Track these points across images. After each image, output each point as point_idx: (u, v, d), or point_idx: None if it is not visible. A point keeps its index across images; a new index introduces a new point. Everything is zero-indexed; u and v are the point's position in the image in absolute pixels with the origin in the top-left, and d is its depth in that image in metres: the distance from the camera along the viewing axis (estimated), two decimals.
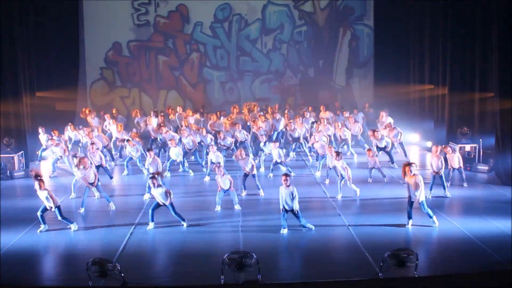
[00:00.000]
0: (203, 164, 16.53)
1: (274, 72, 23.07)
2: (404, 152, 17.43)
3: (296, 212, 10.97)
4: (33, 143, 18.06)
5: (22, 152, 16.81)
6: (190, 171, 16.09)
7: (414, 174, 11.15)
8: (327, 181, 14.92)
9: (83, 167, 12.85)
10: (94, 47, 22.41)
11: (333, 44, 23.04)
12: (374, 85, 22.90)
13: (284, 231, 11.05)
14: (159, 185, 11.34)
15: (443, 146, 14.38)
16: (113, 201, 13.05)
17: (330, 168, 14.78)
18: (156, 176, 11.51)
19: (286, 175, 11.09)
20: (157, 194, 11.34)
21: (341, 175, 13.48)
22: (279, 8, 22.76)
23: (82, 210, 12.63)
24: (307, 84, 23.09)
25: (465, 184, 14.27)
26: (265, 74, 23.09)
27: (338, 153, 13.71)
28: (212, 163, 15.16)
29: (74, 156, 14.08)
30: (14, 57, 16.84)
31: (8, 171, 15.90)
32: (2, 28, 16.38)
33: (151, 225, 11.46)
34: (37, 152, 18.08)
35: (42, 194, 11.26)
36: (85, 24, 22.16)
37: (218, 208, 12.63)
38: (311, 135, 18.03)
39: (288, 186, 10.91)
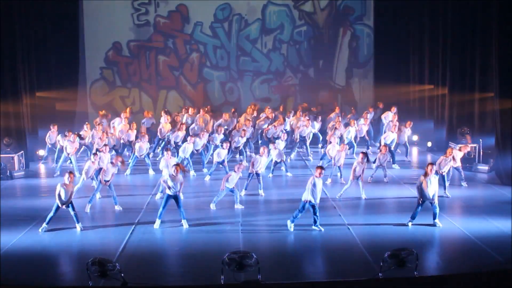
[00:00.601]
0: (205, 163, 16.55)
1: (274, 72, 23.05)
2: (406, 152, 17.40)
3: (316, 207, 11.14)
4: (33, 143, 18.05)
5: (22, 152, 16.78)
6: (192, 171, 16.06)
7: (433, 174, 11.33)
8: (329, 181, 14.90)
9: (119, 164, 12.94)
10: (94, 47, 22.37)
11: (333, 44, 23.01)
12: (374, 85, 22.87)
13: (292, 227, 11.17)
14: (177, 175, 11.44)
15: (450, 147, 14.47)
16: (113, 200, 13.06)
17: (337, 166, 14.82)
18: (180, 164, 11.84)
19: (321, 167, 11.24)
20: (177, 181, 11.40)
21: (357, 177, 13.26)
22: (279, 8, 22.74)
23: (88, 206, 12.68)
24: (307, 84, 23.06)
25: (464, 184, 14.28)
26: (265, 74, 23.07)
27: (365, 154, 13.30)
28: (218, 162, 15.15)
29: (95, 153, 13.97)
30: (14, 57, 16.84)
31: (8, 171, 15.90)
32: (2, 28, 16.37)
33: (157, 223, 11.48)
34: (38, 153, 17.97)
35: (69, 187, 11.31)
36: (85, 24, 22.13)
37: (213, 206, 12.67)
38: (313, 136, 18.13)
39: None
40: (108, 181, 12.85)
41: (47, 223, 11.33)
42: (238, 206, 12.72)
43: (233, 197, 12.86)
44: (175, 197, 11.50)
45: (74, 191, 13.36)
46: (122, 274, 8.34)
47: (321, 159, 16.31)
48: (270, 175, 15.70)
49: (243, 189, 13.84)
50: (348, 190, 13.47)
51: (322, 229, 11.14)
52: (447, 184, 13.61)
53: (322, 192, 13.87)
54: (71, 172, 11.56)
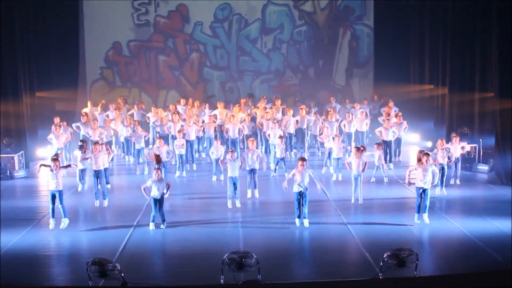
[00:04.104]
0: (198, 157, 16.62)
1: (274, 72, 23.07)
2: (399, 150, 17.23)
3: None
4: (33, 143, 18.04)
5: (22, 152, 16.78)
6: (184, 172, 16.01)
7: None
8: (340, 177, 14.86)
9: (95, 150, 12.86)
10: (94, 47, 22.39)
11: (333, 44, 23.03)
12: (374, 85, 22.89)
13: (298, 222, 11.39)
14: (160, 179, 11.39)
15: (454, 135, 14.39)
16: (113, 201, 13.06)
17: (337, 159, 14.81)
18: (160, 167, 11.72)
19: (303, 159, 11.42)
20: (155, 186, 11.35)
21: (356, 176, 12.89)
22: (279, 8, 22.76)
23: (96, 202, 12.80)
24: (307, 84, 23.08)
25: (457, 181, 14.24)
26: (265, 74, 23.09)
27: (358, 149, 12.95)
28: (216, 159, 15.17)
29: (80, 146, 13.77)
30: (14, 57, 16.82)
31: (8, 171, 15.90)
32: (2, 28, 16.36)
33: (151, 226, 11.46)
34: (37, 154, 18.00)
35: (53, 174, 11.24)
36: (85, 24, 22.14)
37: (229, 204, 12.59)
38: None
39: (304, 169, 11.29)
40: (99, 171, 12.84)
41: (52, 217, 11.30)
42: (237, 203, 12.67)
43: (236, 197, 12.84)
44: (159, 200, 11.44)
45: (79, 181, 13.43)
46: (122, 274, 8.34)
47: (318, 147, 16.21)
48: (273, 174, 15.67)
49: (254, 189, 13.62)
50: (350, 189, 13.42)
51: (307, 225, 11.27)
52: (444, 179, 13.53)
53: (322, 192, 13.98)
54: (55, 159, 11.43)
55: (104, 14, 22.22)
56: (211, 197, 13.56)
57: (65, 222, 11.37)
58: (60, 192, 11.33)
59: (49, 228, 11.32)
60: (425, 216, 11.38)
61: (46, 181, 11.46)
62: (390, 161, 16.56)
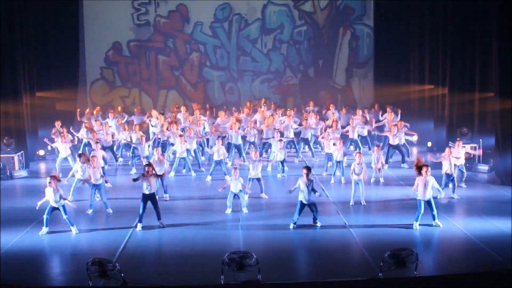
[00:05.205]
0: (201, 164, 16.55)
1: (274, 72, 23.06)
2: (408, 152, 17.20)
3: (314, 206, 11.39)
4: (33, 143, 18.05)
5: (22, 152, 16.78)
6: (192, 171, 16.05)
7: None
8: (343, 180, 14.85)
9: (92, 166, 12.73)
10: (94, 47, 22.38)
11: (333, 44, 23.02)
12: (374, 85, 22.87)
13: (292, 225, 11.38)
14: (152, 174, 11.41)
15: (458, 139, 14.42)
16: (113, 201, 13.05)
17: (338, 163, 14.81)
18: (152, 164, 11.70)
19: (307, 168, 11.36)
20: (146, 183, 11.38)
21: (357, 181, 12.94)
22: (279, 8, 22.75)
23: (90, 211, 12.59)
24: (307, 84, 23.08)
25: (463, 185, 14.22)
26: (265, 74, 23.07)
27: (360, 154, 13.05)
28: (215, 161, 15.14)
29: (80, 155, 13.75)
30: (14, 57, 16.84)
31: (8, 171, 15.90)
32: (2, 28, 16.38)
33: (139, 226, 11.44)
34: (38, 153, 17.99)
35: (49, 190, 11.15)
36: (85, 24, 22.13)
37: (228, 211, 12.48)
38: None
39: (308, 179, 11.23)
40: (98, 184, 12.67)
41: (46, 226, 11.28)
42: (244, 210, 12.53)
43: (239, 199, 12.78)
44: (151, 197, 11.47)
45: (72, 191, 13.37)
46: (122, 274, 8.34)
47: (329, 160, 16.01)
48: (279, 175, 15.65)
49: (261, 192, 13.61)
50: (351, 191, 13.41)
51: (319, 224, 11.35)
52: (456, 184, 13.50)
53: (321, 191, 13.96)
54: (53, 176, 11.33)
55: (104, 14, 22.23)
56: (211, 198, 13.55)
57: (73, 229, 11.29)
58: (63, 206, 11.29)
59: (42, 232, 11.22)
60: (437, 221, 11.30)
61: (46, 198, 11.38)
62: (403, 161, 16.52)
